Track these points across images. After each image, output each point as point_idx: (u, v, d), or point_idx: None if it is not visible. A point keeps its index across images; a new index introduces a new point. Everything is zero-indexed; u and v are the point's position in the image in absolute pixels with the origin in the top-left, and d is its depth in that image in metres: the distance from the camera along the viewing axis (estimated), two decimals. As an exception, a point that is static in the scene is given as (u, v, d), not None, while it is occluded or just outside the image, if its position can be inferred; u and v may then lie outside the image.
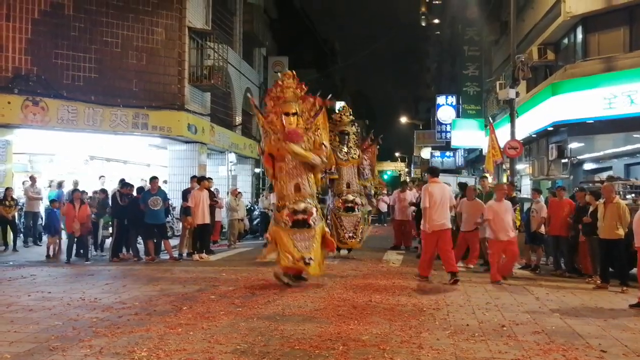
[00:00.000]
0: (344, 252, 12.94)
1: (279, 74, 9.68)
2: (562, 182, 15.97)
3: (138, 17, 15.99)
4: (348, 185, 12.80)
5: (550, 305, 7.54)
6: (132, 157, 19.43)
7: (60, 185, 15.36)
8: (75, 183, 14.95)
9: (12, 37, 14.34)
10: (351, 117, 13.43)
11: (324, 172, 13.28)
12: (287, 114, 8.94)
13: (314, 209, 8.86)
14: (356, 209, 12.63)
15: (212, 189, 14.03)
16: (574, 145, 15.96)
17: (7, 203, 13.37)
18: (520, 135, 16.94)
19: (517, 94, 16.36)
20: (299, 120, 8.99)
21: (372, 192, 14.57)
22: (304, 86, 9.18)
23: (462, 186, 12.98)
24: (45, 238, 13.42)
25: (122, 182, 12.87)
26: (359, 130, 14.51)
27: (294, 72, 9.36)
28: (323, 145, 9.14)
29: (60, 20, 14.94)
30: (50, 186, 15.64)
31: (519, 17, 18.56)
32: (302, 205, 8.75)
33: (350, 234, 12.53)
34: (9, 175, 14.25)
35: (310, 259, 8.51)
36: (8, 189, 13.55)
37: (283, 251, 8.59)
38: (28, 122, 14.24)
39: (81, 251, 12.32)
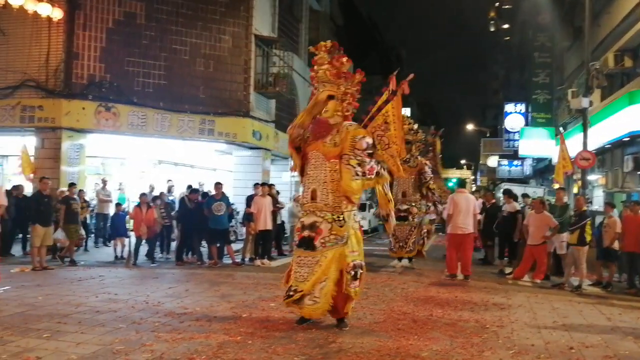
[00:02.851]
0: (405, 262, 12.76)
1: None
2: (638, 195, 15.15)
3: (206, 25, 16.37)
4: (404, 194, 12.64)
5: (623, 327, 7.09)
6: (199, 162, 19.90)
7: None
8: (152, 188, 15.48)
9: (88, 45, 14.98)
10: (413, 125, 13.25)
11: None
12: None
13: (326, 226, 6.45)
14: (410, 218, 12.43)
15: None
16: (651, 156, 15.10)
17: (80, 205, 13.93)
18: (593, 145, 16.21)
19: (591, 103, 15.66)
20: (338, 105, 6.75)
21: (439, 197, 14.34)
22: (345, 60, 6.71)
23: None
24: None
25: (190, 188, 13.23)
26: (425, 137, 14.29)
27: (332, 42, 6.87)
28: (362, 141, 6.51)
29: (133, 29, 15.49)
30: (120, 189, 16.22)
31: (594, 22, 17.78)
32: (311, 219, 6.56)
33: (401, 244, 12.37)
34: (82, 177, 14.88)
35: (296, 290, 6.42)
36: (81, 191, 14.09)
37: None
38: (101, 127, 14.87)
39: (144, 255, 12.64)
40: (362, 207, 24.99)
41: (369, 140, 6.60)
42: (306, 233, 6.54)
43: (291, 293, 6.45)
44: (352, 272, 6.46)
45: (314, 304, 6.37)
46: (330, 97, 6.68)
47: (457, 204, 10.95)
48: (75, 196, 12.60)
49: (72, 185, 12.95)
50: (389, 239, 12.85)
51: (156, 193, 14.42)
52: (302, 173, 6.91)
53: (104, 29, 15.18)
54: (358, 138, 6.48)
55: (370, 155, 6.62)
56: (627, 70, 17.08)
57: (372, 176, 6.57)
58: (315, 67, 6.80)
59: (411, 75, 7.02)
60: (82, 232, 13.53)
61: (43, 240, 11.17)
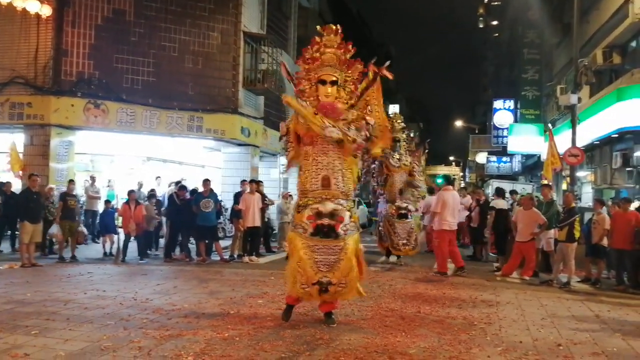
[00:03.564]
0: (393, 258, 12.81)
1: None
2: (627, 191, 15.28)
3: (195, 22, 16.27)
4: (401, 192, 12.66)
5: (611, 323, 7.12)
6: (187, 159, 19.84)
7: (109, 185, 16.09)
8: (140, 184, 15.47)
9: (77, 42, 14.86)
10: (402, 124, 13.29)
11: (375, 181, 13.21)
12: (323, 82, 6.65)
13: (347, 214, 6.43)
14: (409, 216, 12.47)
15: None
16: (640, 153, 15.22)
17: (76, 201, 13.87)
18: (582, 142, 16.31)
19: (580, 100, 15.75)
20: (340, 91, 6.72)
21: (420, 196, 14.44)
22: (350, 47, 6.78)
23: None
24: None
25: (180, 185, 13.21)
26: (410, 136, 14.33)
27: (339, 27, 6.82)
28: (364, 121, 6.69)
29: (122, 26, 15.37)
30: (109, 186, 16.17)
31: (582, 18, 17.87)
32: (329, 207, 6.36)
33: (404, 241, 12.37)
34: (71, 174, 14.79)
35: (330, 283, 6.24)
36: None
37: (292, 268, 6.42)
38: (90, 124, 14.79)
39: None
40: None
41: (371, 121, 6.85)
42: (326, 221, 6.31)
43: (325, 287, 6.21)
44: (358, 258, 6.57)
45: (343, 289, 6.31)
46: (334, 83, 6.66)
47: (445, 202, 11.15)
48: (75, 192, 12.59)
49: (71, 182, 13.00)
50: (386, 234, 12.82)
51: (144, 190, 14.39)
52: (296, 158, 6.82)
53: (92, 26, 15.05)
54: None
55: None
56: (616, 66, 17.20)
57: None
58: (321, 49, 6.72)
59: (387, 63, 7.12)
60: (85, 229, 13.56)
61: (32, 237, 11.16)
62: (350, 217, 6.46)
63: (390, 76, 7.05)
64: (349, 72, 6.78)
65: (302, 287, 6.30)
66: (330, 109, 6.49)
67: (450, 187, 11.86)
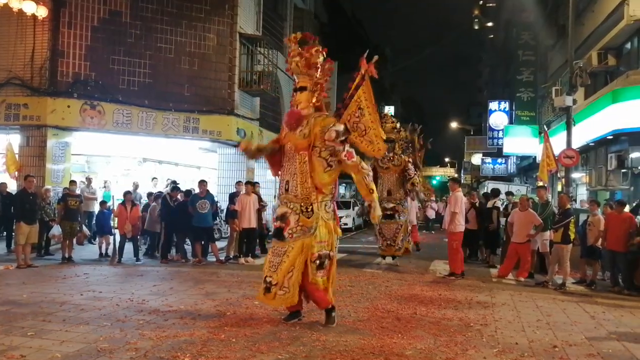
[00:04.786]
0: (389, 259, 12.83)
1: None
2: (621, 193, 15.34)
3: (191, 23, 16.30)
4: (389, 192, 12.70)
5: (606, 325, 7.15)
6: (183, 160, 19.85)
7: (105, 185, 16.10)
8: (136, 185, 15.47)
9: (73, 43, 14.87)
10: (396, 124, 13.32)
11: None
12: (294, 90, 6.88)
13: (293, 217, 6.52)
14: (396, 217, 12.49)
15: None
16: (635, 154, 15.27)
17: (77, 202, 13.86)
18: (577, 143, 16.37)
19: (575, 101, 15.81)
20: (311, 96, 6.73)
21: (422, 196, 14.45)
22: (314, 51, 6.61)
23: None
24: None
25: (173, 187, 13.20)
26: (407, 136, 14.35)
27: (301, 33, 6.85)
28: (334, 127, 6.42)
29: (118, 27, 15.38)
30: (104, 187, 16.15)
31: (577, 20, 17.93)
32: (282, 210, 6.68)
33: (388, 242, 12.44)
34: (67, 175, 14.79)
35: (271, 283, 6.45)
36: (65, 189, 14.06)
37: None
38: (86, 125, 14.79)
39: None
40: (346, 205, 25.11)
41: (339, 127, 6.44)
42: (278, 223, 6.69)
43: (267, 285, 6.47)
44: (317, 262, 6.47)
45: (284, 294, 6.41)
46: (302, 89, 6.70)
47: (462, 202, 11.24)
48: (78, 192, 12.58)
49: (72, 182, 13.02)
50: (377, 236, 12.86)
51: (140, 191, 14.34)
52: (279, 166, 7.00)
53: (89, 27, 15.06)
54: (327, 128, 6.41)
55: (344, 142, 6.45)
56: (611, 68, 17.27)
57: (354, 159, 6.52)
58: (288, 59, 6.81)
59: (375, 57, 6.91)
60: (86, 229, 13.54)
61: (27, 238, 11.14)
62: (298, 220, 6.48)
63: (375, 75, 6.85)
64: (319, 74, 6.73)
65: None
66: (291, 117, 6.68)
67: (460, 188, 11.93)
